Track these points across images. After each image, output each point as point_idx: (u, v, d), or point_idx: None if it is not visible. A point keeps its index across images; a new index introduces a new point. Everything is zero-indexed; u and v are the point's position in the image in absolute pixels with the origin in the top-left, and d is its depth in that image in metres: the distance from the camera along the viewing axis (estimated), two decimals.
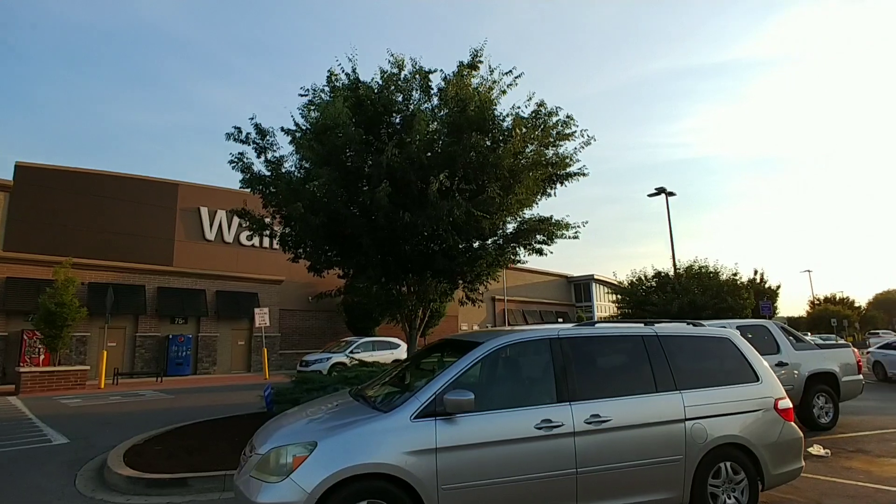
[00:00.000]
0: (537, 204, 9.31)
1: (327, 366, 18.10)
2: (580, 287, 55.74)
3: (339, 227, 8.47)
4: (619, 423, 3.86)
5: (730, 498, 4.16)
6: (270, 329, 23.92)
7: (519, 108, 8.67)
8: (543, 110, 8.86)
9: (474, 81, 8.64)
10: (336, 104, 7.73)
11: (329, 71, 8.94)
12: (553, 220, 9.40)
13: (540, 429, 3.66)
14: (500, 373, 4.04)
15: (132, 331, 22.07)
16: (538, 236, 9.54)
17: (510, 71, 8.67)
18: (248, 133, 9.13)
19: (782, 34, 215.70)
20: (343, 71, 8.83)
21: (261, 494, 3.23)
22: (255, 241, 26.95)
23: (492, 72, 8.66)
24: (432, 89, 8.80)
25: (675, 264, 24.10)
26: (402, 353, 20.55)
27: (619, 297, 27.52)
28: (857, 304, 60.26)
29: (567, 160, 9.21)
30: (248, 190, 9.51)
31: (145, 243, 23.71)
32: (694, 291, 21.51)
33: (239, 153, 9.15)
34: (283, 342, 26.85)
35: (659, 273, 24.60)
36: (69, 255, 18.40)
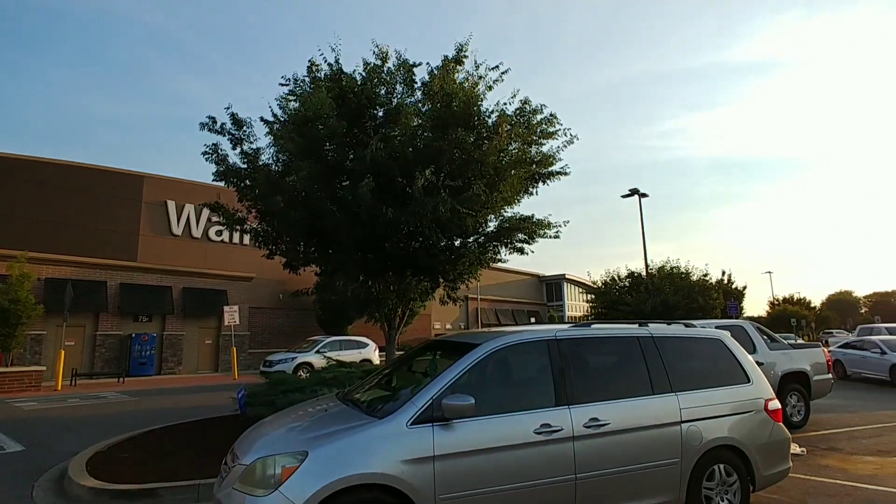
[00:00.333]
0: (519, 202, 9.25)
1: (292, 366, 17.41)
2: (552, 286, 56.33)
3: (319, 223, 8.19)
4: (617, 426, 3.78)
5: (723, 500, 4.14)
6: (240, 328, 23.24)
7: (506, 103, 8.57)
8: (528, 107, 8.78)
9: (459, 76, 8.49)
10: (319, 94, 7.47)
11: (310, 61, 8.66)
12: (535, 219, 9.34)
13: (539, 434, 3.54)
14: (497, 376, 3.90)
15: (92, 329, 21.07)
16: (520, 235, 9.48)
17: (496, 66, 8.56)
18: (223, 123, 8.75)
19: (752, 44, 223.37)
20: (326, 61, 8.55)
21: None
22: (225, 236, 26.22)
23: (477, 67, 8.54)
24: (416, 83, 8.62)
25: (647, 265, 24.56)
26: (370, 352, 20.19)
27: (592, 297, 27.87)
28: (812, 305, 62.72)
29: (551, 158, 9.17)
30: (222, 183, 9.12)
31: (108, 237, 22.70)
32: (666, 291, 21.94)
33: (213, 144, 8.78)
34: (253, 341, 26.16)
35: (632, 273, 25.02)
36: (25, 248, 17.42)
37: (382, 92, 8.53)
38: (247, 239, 26.54)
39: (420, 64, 8.59)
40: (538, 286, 54.99)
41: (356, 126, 8.32)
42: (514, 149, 8.64)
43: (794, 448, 6.87)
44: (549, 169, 9.36)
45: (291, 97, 8.57)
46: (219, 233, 25.94)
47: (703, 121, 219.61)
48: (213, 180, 9.17)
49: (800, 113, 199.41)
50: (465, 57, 8.54)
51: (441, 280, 9.64)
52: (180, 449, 6.62)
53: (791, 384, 8.74)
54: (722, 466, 4.16)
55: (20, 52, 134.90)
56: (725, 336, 4.78)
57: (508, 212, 9.27)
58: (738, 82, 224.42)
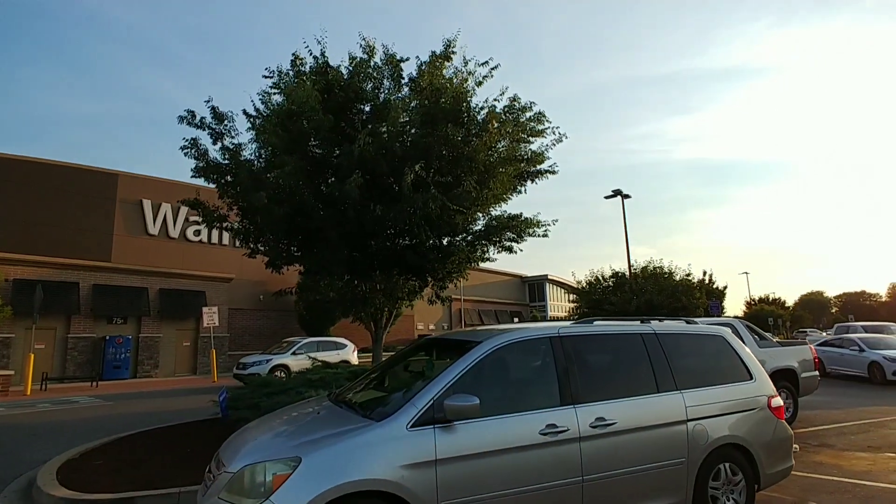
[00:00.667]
0: (506, 201, 9.12)
1: (267, 369, 16.60)
2: (534, 287, 56.59)
3: (304, 220, 7.93)
4: (623, 426, 3.64)
5: (729, 500, 4.04)
6: (219, 329, 22.66)
7: (496, 100, 8.43)
8: (517, 105, 8.65)
9: (448, 72, 8.33)
10: (305, 87, 7.21)
11: (294, 54, 8.38)
12: (523, 218, 9.23)
13: (545, 434, 3.38)
14: (499, 375, 3.72)
15: (63, 332, 20.29)
16: (508, 233, 9.35)
17: (486, 62, 8.41)
18: (202, 118, 8.43)
19: (729, 50, 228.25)
20: (311, 54, 8.29)
21: None
22: (203, 236, 25.60)
23: (466, 63, 8.38)
24: (403, 79, 8.42)
25: (629, 265, 24.73)
26: (348, 353, 19.77)
27: (575, 297, 27.96)
28: (787, 305, 64.16)
29: (540, 156, 9.07)
30: (201, 180, 8.79)
31: (80, 237, 21.92)
32: (650, 291, 22.09)
33: (192, 139, 8.45)
34: (233, 343, 25.55)
35: (616, 273, 25.15)
36: None
37: (369, 87, 8.31)
38: (226, 239, 26.41)
39: (407, 59, 8.40)
40: (521, 287, 55.16)
41: (343, 121, 8.08)
42: (504, 146, 8.52)
43: None
44: (539, 167, 9.26)
45: (275, 90, 8.29)
46: (197, 233, 25.30)
47: (680, 125, 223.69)
48: (192, 177, 8.83)
49: (774, 117, 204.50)
50: (454, 53, 8.36)
51: (429, 279, 9.45)
52: (158, 455, 6.29)
53: (780, 381, 8.73)
54: (728, 465, 4.06)
55: None
56: (727, 333, 4.69)
57: (497, 210, 9.16)
58: (714, 87, 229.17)
